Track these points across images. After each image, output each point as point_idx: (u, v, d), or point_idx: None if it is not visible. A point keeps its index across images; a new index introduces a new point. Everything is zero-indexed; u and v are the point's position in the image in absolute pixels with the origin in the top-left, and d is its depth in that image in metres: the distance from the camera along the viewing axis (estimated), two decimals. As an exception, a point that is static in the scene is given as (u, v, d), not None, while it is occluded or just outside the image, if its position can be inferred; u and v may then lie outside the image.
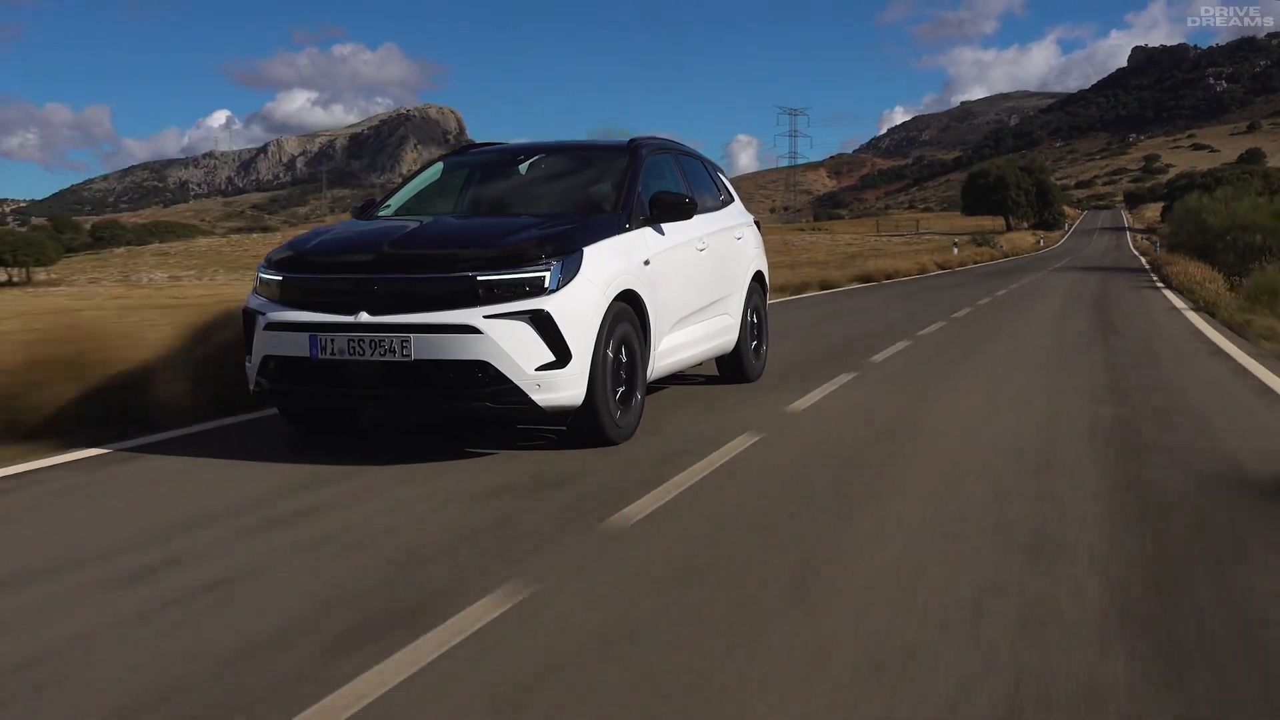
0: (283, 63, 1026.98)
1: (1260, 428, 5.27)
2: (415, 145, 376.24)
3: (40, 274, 59.78)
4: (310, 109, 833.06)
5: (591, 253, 4.39)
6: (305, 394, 4.35)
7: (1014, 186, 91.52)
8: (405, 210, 5.55)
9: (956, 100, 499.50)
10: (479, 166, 5.88)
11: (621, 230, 4.78)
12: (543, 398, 4.10)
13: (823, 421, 5.27)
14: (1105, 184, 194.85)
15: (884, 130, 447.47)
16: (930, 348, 8.75)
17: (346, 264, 4.38)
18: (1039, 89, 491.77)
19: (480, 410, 4.14)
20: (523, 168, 5.77)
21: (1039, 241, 70.01)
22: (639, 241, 4.87)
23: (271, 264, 4.55)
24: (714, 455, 4.27)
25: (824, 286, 19.78)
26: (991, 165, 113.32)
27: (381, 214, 5.48)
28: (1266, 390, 6.34)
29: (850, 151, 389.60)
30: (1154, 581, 2.79)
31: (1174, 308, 14.05)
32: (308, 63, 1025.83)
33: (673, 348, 5.20)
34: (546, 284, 4.15)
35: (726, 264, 6.01)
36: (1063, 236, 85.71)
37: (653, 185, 5.32)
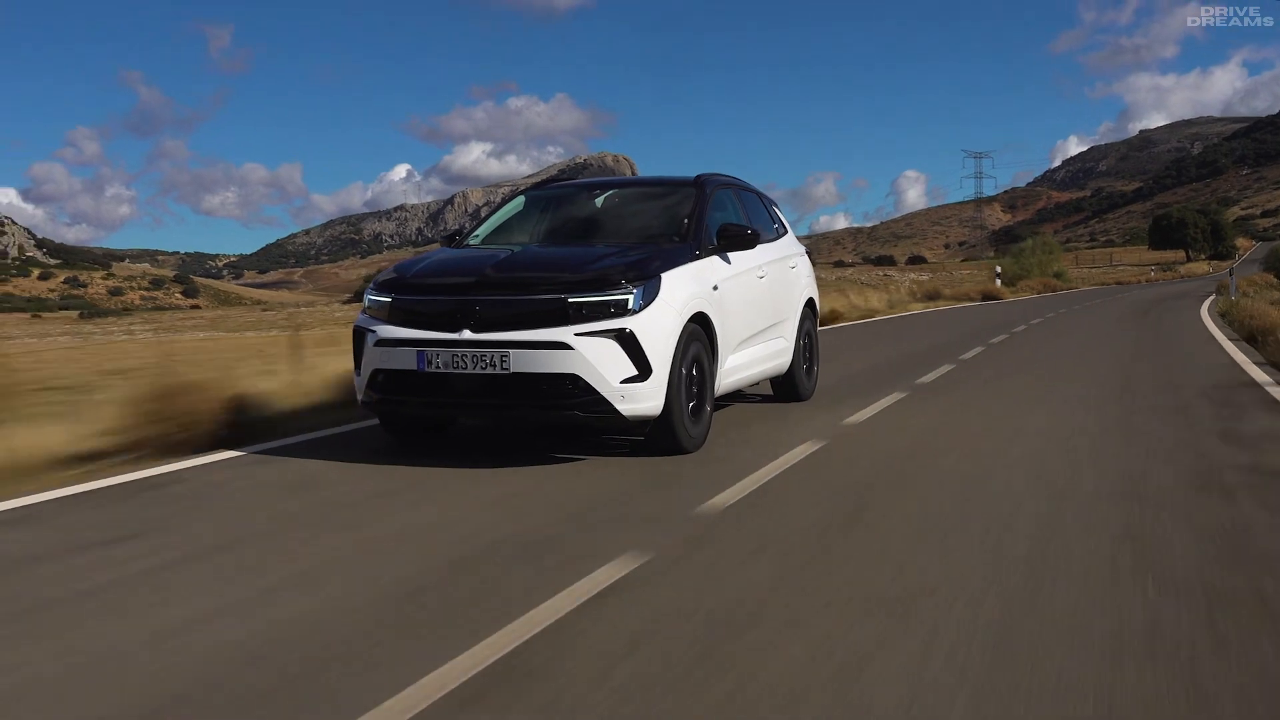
0: (460, 117, 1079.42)
1: (1178, 290, 44.09)
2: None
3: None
4: (485, 160, 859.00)
5: (669, 278, 5.01)
6: (413, 404, 4.97)
7: (1192, 226, 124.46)
8: (492, 239, 6.15)
9: (1135, 128, 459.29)
10: (557, 200, 6.55)
11: (693, 258, 5.40)
12: (626, 408, 4.72)
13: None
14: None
15: (1058, 162, 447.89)
16: (1160, 289, 48.61)
17: (451, 286, 5.00)
18: (1223, 114, 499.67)
19: (570, 418, 4.77)
20: (599, 201, 6.46)
21: (1210, 269, 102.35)
22: (708, 268, 5.50)
23: (379, 286, 5.12)
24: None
25: (1109, 283, 58.27)
26: (1174, 208, 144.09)
27: (470, 242, 6.10)
28: (1192, 292, 44.66)
29: (1024, 185, 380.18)
30: (1149, 301, 37.32)
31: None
32: (483, 116, 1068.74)
33: (735, 366, 5.84)
34: (630, 305, 4.76)
35: (783, 290, 6.72)
36: (1230, 266, 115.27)
37: (718, 217, 5.99)
